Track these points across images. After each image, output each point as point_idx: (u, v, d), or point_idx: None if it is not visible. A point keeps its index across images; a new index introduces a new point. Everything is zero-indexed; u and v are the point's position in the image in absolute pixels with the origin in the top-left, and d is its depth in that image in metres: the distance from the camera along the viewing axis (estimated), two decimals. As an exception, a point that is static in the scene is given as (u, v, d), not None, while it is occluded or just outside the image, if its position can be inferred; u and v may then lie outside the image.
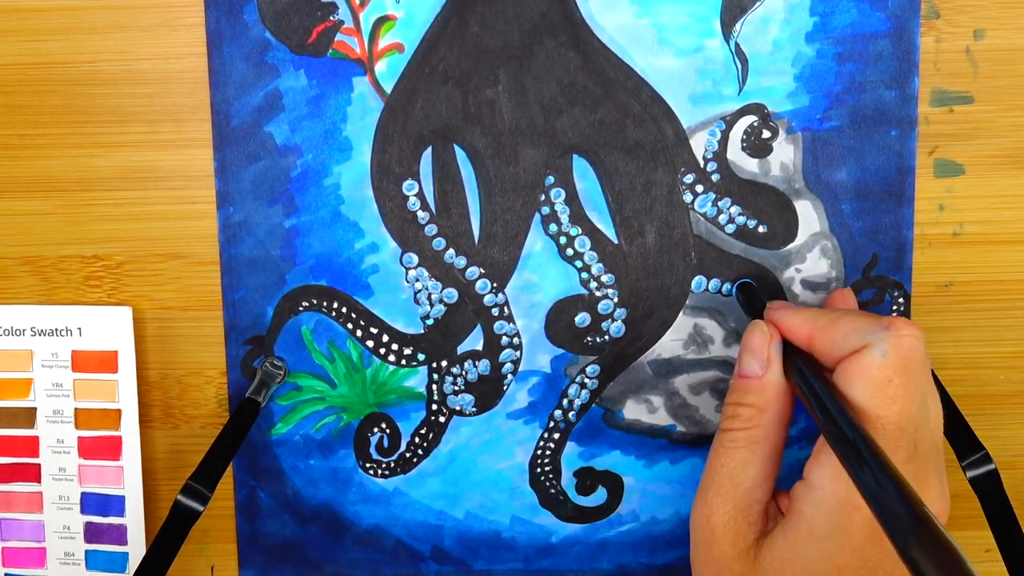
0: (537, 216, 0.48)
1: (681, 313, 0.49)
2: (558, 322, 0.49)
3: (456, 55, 0.47)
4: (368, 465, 0.50)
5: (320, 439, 0.50)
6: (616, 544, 0.51)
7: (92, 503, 0.50)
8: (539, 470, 0.50)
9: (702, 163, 0.48)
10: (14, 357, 0.49)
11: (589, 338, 0.49)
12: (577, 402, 0.49)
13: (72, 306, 0.49)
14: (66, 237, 0.49)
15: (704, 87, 0.47)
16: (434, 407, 0.50)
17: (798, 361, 0.41)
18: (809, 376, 0.39)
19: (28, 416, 0.50)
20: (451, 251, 0.48)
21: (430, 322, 0.49)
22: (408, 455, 0.50)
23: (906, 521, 0.31)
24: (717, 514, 0.41)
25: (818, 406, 0.38)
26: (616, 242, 0.48)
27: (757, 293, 0.48)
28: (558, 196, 0.48)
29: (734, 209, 0.48)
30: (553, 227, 0.48)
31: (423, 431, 0.50)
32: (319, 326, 0.49)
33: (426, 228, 0.48)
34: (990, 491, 0.44)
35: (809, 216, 0.48)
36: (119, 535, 0.50)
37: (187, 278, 0.49)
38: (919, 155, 0.48)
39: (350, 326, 0.49)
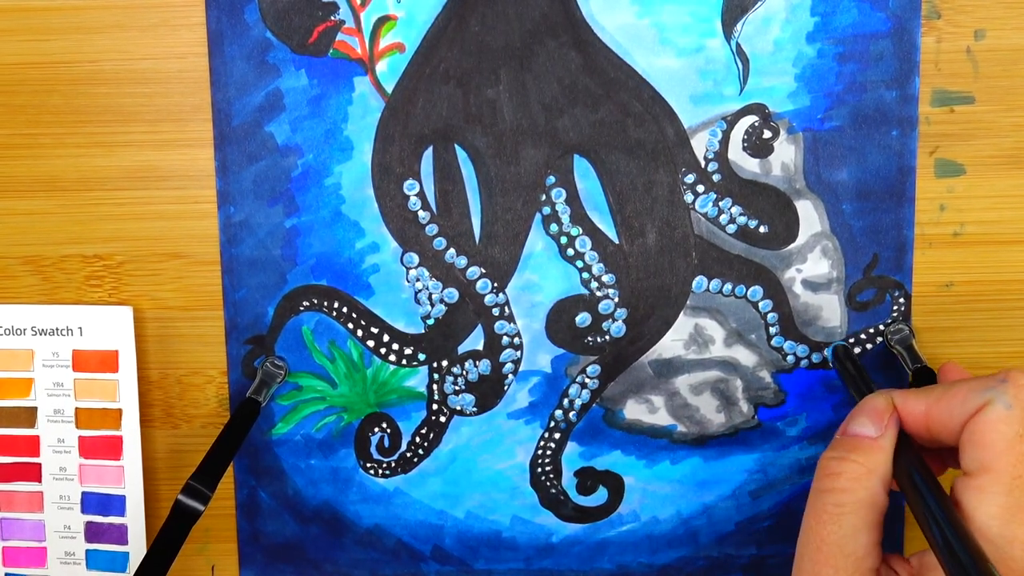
0: (538, 216, 0.48)
1: (682, 313, 0.49)
2: (559, 322, 0.49)
3: (457, 55, 0.47)
4: (369, 465, 0.50)
5: (321, 439, 0.50)
6: (616, 544, 0.51)
7: (93, 502, 0.50)
8: (540, 470, 0.50)
9: (703, 163, 0.48)
10: (15, 357, 0.49)
11: (590, 338, 0.49)
12: (578, 402, 0.49)
13: (73, 306, 0.49)
14: (67, 237, 0.49)
15: (705, 87, 0.47)
16: (435, 407, 0.50)
17: (910, 463, 0.38)
18: (922, 482, 0.37)
19: (29, 415, 0.50)
20: (452, 251, 0.48)
21: (431, 322, 0.49)
22: (409, 455, 0.50)
23: None
24: None
25: (931, 519, 0.36)
26: (617, 242, 0.48)
27: (854, 357, 0.47)
28: (559, 196, 0.48)
29: (735, 209, 0.48)
30: (554, 227, 0.48)
31: (424, 431, 0.50)
32: (320, 326, 0.49)
33: (427, 228, 0.48)
34: None
35: (810, 216, 0.48)
36: (120, 535, 0.50)
37: (188, 278, 0.49)
38: (920, 155, 0.48)
39: (351, 326, 0.49)
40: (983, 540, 0.36)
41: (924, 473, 0.38)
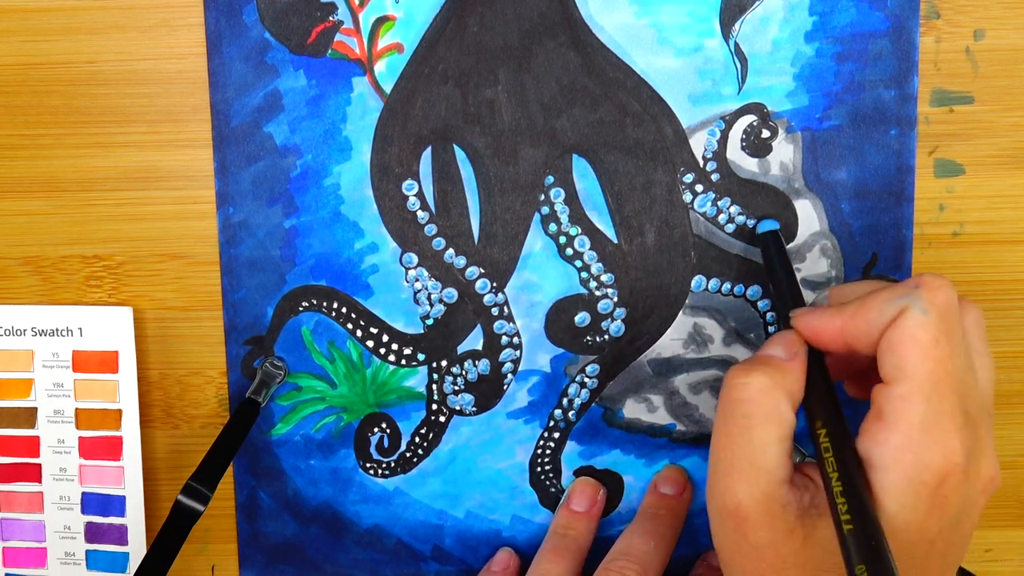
0: (537, 216, 0.48)
1: (681, 312, 0.49)
2: (558, 321, 0.49)
3: (455, 55, 0.47)
4: (368, 465, 0.50)
5: (320, 439, 0.50)
6: (616, 544, 0.51)
7: (93, 503, 0.50)
8: (539, 469, 0.50)
9: (702, 163, 0.48)
10: (15, 357, 0.50)
11: (589, 337, 0.49)
12: (577, 401, 0.49)
13: (73, 306, 0.49)
14: (67, 237, 0.49)
15: (704, 87, 0.47)
16: (434, 407, 0.50)
17: (819, 399, 0.39)
18: (827, 420, 0.38)
19: (29, 416, 0.50)
20: (451, 251, 0.48)
21: (430, 322, 0.49)
22: (408, 455, 0.50)
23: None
24: (745, 500, 0.38)
25: (830, 465, 0.37)
26: (616, 242, 0.48)
27: (784, 253, 0.46)
28: (558, 196, 0.48)
29: (734, 208, 0.48)
30: (553, 227, 0.48)
31: (423, 431, 0.50)
32: (319, 326, 0.49)
33: (426, 228, 0.48)
34: None
35: (809, 215, 0.48)
36: (120, 535, 0.50)
37: (187, 278, 0.49)
38: (919, 155, 0.48)
39: (350, 326, 0.49)
40: (905, 450, 0.36)
41: (830, 413, 0.38)
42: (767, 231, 0.47)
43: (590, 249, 0.48)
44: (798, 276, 0.48)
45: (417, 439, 0.50)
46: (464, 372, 0.49)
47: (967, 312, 0.39)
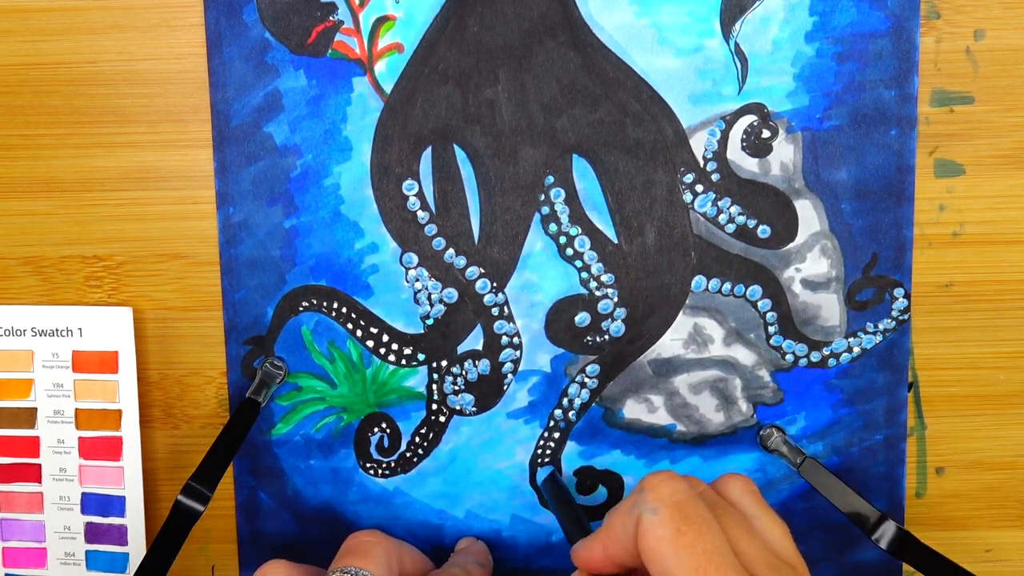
0: (537, 216, 0.48)
1: (681, 312, 0.49)
2: (558, 322, 0.49)
3: (456, 55, 0.47)
4: (368, 465, 0.50)
5: (320, 439, 0.50)
6: (616, 544, 0.51)
7: (92, 503, 0.50)
8: (540, 469, 0.50)
9: (702, 163, 0.48)
10: (15, 357, 0.50)
11: (589, 338, 0.49)
12: (577, 401, 0.49)
13: (73, 306, 0.49)
14: (67, 237, 0.49)
15: (704, 87, 0.47)
16: (434, 407, 0.50)
17: None
18: None
19: (29, 416, 0.50)
20: (451, 251, 0.48)
21: (430, 322, 0.49)
22: (408, 455, 0.50)
23: None
24: None
25: None
26: (616, 242, 0.48)
27: (563, 487, 0.48)
28: (558, 196, 0.48)
29: (734, 209, 0.48)
30: (553, 227, 0.48)
31: (423, 431, 0.50)
32: (319, 326, 0.49)
33: (426, 228, 0.48)
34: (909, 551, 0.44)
35: (809, 215, 0.48)
36: (120, 535, 0.50)
37: (187, 278, 0.49)
38: (919, 155, 0.48)
39: (350, 326, 0.49)
40: None
41: None
42: (544, 479, 0.49)
43: (590, 249, 0.48)
44: (799, 275, 0.48)
45: (417, 439, 0.50)
46: (464, 372, 0.49)
47: (730, 486, 0.40)
